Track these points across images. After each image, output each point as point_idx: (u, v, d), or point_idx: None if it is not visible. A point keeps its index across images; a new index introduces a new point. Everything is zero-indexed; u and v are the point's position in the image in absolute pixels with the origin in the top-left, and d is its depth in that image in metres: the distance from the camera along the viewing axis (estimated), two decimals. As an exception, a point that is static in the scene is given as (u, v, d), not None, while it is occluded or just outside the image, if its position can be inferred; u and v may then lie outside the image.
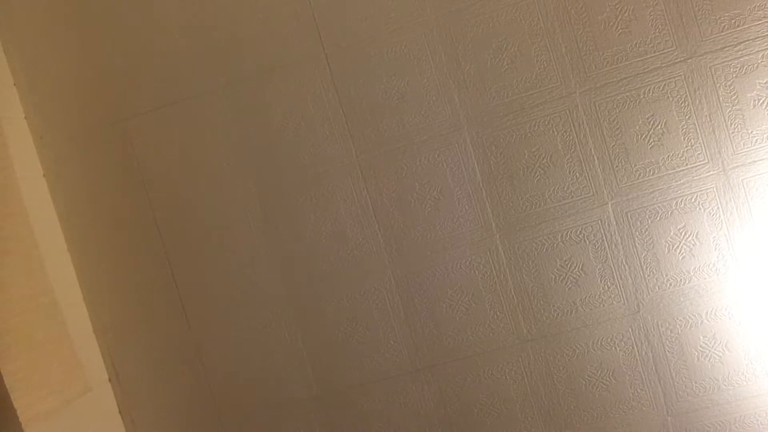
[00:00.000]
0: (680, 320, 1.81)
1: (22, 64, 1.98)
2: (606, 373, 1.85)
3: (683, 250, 1.80)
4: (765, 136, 1.75)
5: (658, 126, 1.78)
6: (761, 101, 1.74)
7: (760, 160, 1.76)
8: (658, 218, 1.80)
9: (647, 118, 1.79)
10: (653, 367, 1.83)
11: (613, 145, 1.80)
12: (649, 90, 1.78)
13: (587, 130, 1.81)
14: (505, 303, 1.87)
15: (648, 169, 1.79)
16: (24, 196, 1.82)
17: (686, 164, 1.78)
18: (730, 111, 1.76)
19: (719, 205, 1.78)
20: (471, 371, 1.90)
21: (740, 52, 1.74)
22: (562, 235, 1.84)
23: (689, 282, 1.80)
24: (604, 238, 1.82)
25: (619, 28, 1.78)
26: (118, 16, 1.95)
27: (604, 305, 1.84)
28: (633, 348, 1.83)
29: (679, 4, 1.75)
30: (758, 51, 1.73)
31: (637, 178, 1.80)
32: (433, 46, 1.85)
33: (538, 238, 1.85)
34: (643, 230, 1.81)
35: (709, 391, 1.82)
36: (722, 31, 1.74)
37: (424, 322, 1.90)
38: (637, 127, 1.79)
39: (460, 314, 1.89)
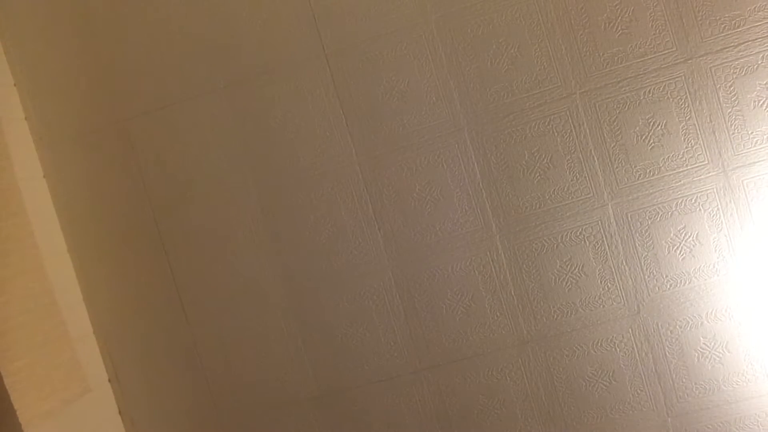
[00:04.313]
0: (680, 321, 1.81)
1: (22, 64, 1.98)
2: (606, 374, 1.85)
3: (683, 251, 1.80)
4: (765, 137, 1.75)
5: (658, 127, 1.78)
6: (761, 102, 1.74)
7: (761, 161, 1.75)
8: (658, 219, 1.80)
9: (647, 119, 1.78)
10: (653, 368, 1.83)
11: (614, 146, 1.80)
12: (650, 91, 1.77)
13: (587, 130, 1.81)
14: (505, 304, 1.87)
15: (648, 170, 1.79)
16: (24, 197, 1.82)
17: (686, 165, 1.78)
18: (730, 112, 1.76)
19: (719, 206, 1.78)
20: (471, 372, 1.90)
21: (740, 53, 1.74)
22: (562, 236, 1.84)
23: (689, 283, 1.80)
24: (604, 238, 1.82)
25: (619, 28, 1.77)
26: (118, 17, 1.95)
27: (604, 306, 1.84)
28: (633, 349, 1.83)
29: (679, 4, 1.75)
30: (758, 52, 1.73)
31: (638, 179, 1.80)
32: (433, 46, 1.85)
33: (539, 238, 1.85)
34: (644, 231, 1.81)
35: (709, 392, 1.81)
36: (722, 32, 1.74)
37: (424, 323, 1.90)
38: (638, 128, 1.79)
39: (460, 315, 1.89)
